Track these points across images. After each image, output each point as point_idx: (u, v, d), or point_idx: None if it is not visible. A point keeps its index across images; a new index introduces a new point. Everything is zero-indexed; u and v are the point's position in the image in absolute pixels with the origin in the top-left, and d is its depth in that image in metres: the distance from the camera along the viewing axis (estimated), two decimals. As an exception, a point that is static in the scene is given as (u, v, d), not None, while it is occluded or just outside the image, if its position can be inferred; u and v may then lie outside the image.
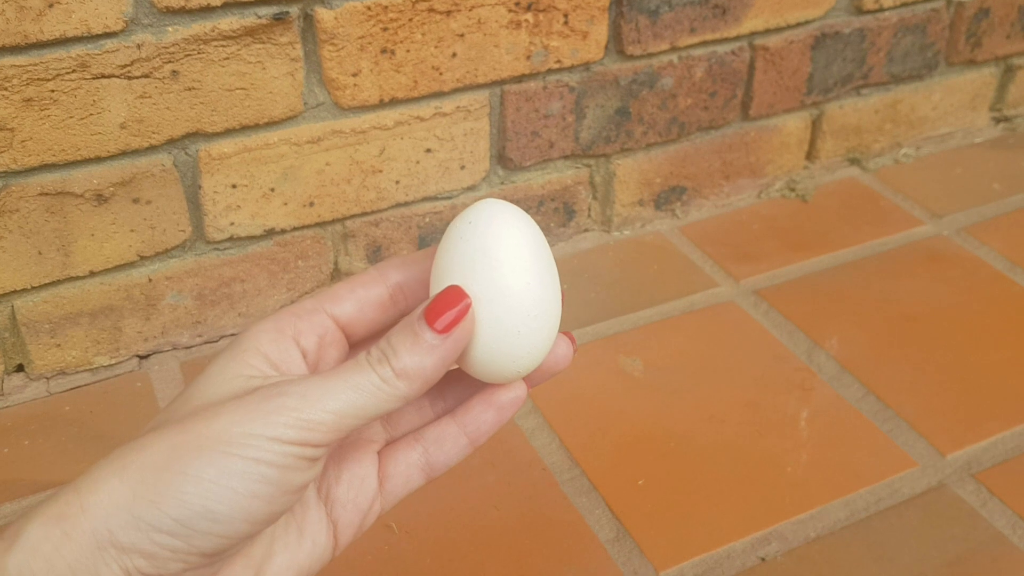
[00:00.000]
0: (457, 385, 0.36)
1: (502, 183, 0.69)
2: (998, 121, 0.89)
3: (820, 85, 0.77)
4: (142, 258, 0.60)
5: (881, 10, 0.76)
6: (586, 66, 0.67)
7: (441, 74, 0.62)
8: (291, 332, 0.34)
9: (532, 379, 0.36)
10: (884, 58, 0.79)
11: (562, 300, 0.36)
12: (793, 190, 0.80)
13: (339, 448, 0.35)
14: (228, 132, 0.58)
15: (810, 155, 0.81)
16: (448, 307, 0.32)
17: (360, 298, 0.35)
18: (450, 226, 0.34)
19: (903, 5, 0.77)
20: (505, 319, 0.33)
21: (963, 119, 0.87)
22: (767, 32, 0.72)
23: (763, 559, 0.51)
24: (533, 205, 0.71)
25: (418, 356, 0.31)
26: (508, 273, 0.32)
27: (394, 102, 0.62)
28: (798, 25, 0.73)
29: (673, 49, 0.69)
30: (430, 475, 0.36)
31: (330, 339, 0.35)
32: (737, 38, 0.71)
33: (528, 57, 0.64)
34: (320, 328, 0.34)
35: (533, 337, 0.33)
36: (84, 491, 0.28)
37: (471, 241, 0.33)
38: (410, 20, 0.59)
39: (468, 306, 0.32)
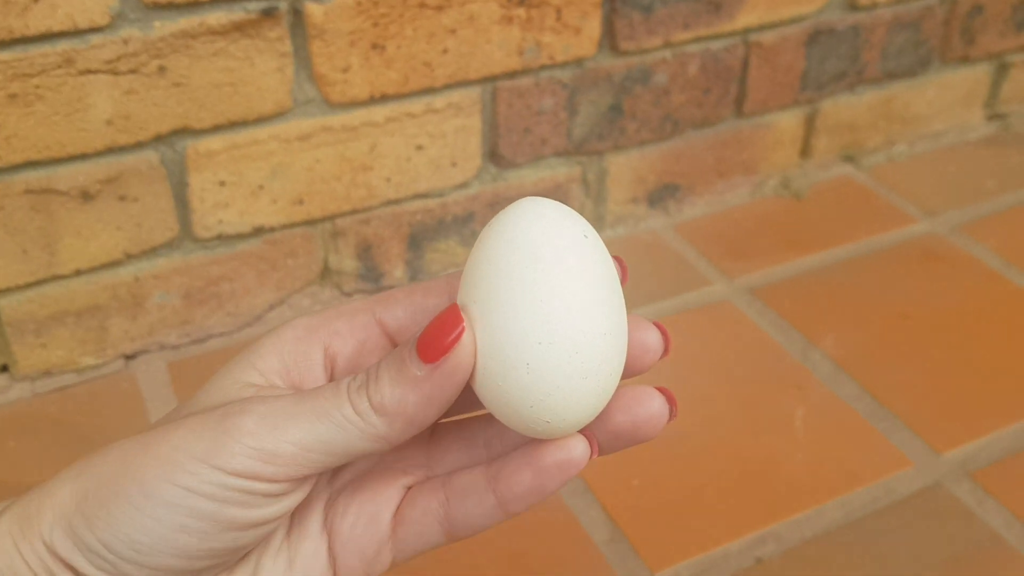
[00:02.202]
0: None
1: (494, 180, 0.68)
2: (992, 118, 0.89)
3: (814, 82, 0.77)
4: (129, 256, 0.59)
5: (875, 7, 0.76)
6: (579, 62, 0.66)
7: (432, 70, 0.61)
8: (324, 333, 0.29)
9: (604, 443, 0.28)
10: (878, 55, 0.78)
11: (666, 341, 0.28)
12: (787, 188, 0.80)
13: (365, 473, 0.30)
14: (216, 128, 0.57)
15: (804, 152, 0.81)
16: (440, 332, 0.26)
17: (416, 305, 0.29)
18: None
19: (897, 2, 0.76)
20: (508, 348, 0.25)
21: (957, 116, 0.87)
22: (761, 28, 0.72)
23: (759, 560, 0.50)
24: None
25: (400, 389, 0.26)
26: (515, 287, 0.25)
27: (385, 98, 0.61)
28: (792, 21, 0.73)
29: (667, 45, 0.69)
30: (451, 534, 0.29)
31: (372, 346, 0.29)
32: (731, 34, 0.71)
33: (520, 53, 0.64)
34: (363, 332, 0.29)
35: (553, 375, 0.25)
36: (45, 492, 0.26)
37: (484, 248, 0.27)
38: (401, 15, 0.59)
39: (462, 331, 0.25)
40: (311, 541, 0.29)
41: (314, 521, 0.29)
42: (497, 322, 0.25)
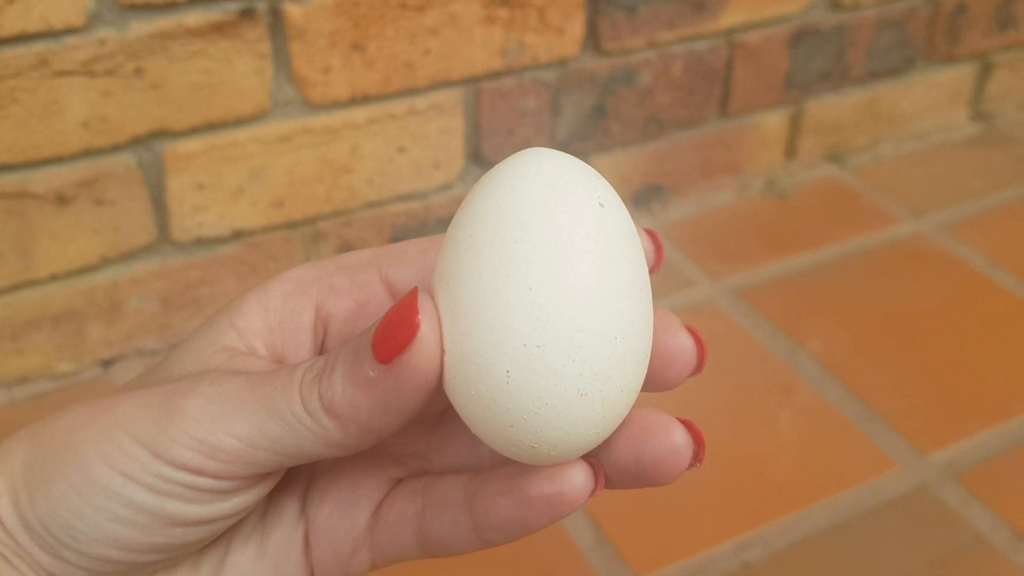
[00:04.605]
0: None
1: (477, 182, 0.67)
2: (976, 118, 0.89)
3: (799, 82, 0.76)
4: (106, 261, 0.58)
5: (859, 7, 0.75)
6: (562, 63, 0.66)
7: (414, 71, 0.61)
8: (318, 289, 0.24)
9: (612, 478, 0.22)
10: (863, 55, 0.78)
11: (701, 353, 0.22)
12: (772, 188, 0.80)
13: (350, 455, 0.25)
14: (194, 130, 0.57)
15: (789, 153, 0.80)
16: (395, 325, 0.20)
17: (429, 265, 0.24)
18: None
19: (882, 2, 0.76)
20: (484, 349, 0.19)
21: (942, 116, 0.87)
22: (745, 28, 0.71)
23: (745, 564, 0.50)
24: (509, 204, 0.69)
25: (351, 390, 0.21)
26: (496, 268, 0.19)
27: (366, 99, 0.60)
28: (776, 21, 0.72)
29: (650, 45, 0.68)
30: (426, 548, 0.24)
31: (374, 308, 0.24)
32: (715, 34, 0.70)
33: (503, 54, 0.63)
34: (365, 291, 0.24)
35: (541, 388, 0.19)
36: (1, 453, 0.23)
37: (466, 212, 0.21)
38: (382, 16, 0.58)
39: (415, 328, 0.20)
40: (285, 528, 0.25)
41: (291, 505, 0.25)
42: (472, 314, 0.20)
